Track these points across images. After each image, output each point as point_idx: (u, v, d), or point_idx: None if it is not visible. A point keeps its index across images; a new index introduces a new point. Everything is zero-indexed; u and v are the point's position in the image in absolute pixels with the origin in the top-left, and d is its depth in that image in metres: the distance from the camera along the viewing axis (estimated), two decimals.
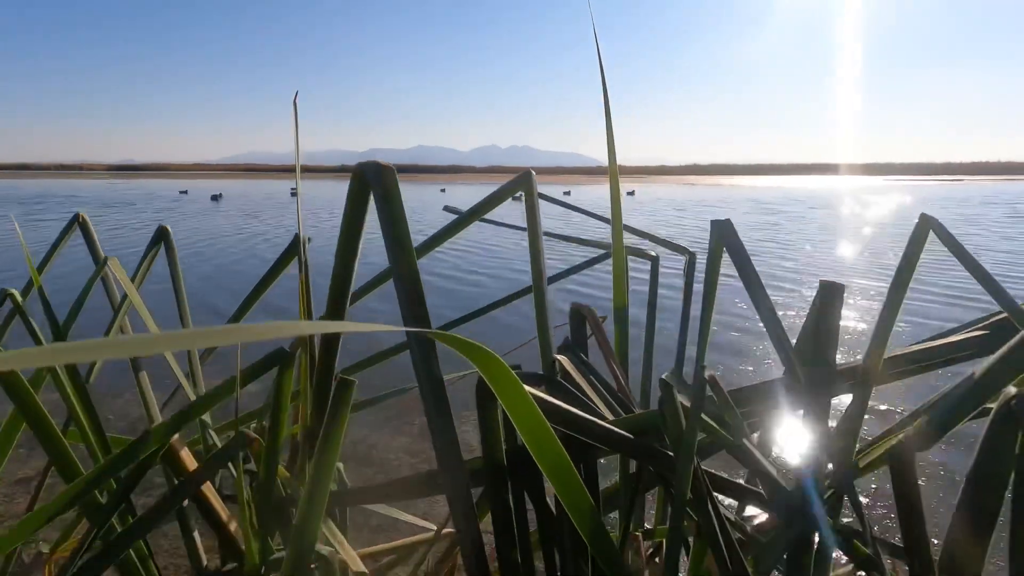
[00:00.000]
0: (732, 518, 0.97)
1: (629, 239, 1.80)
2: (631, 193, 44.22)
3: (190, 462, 0.91)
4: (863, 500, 2.72)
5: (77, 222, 1.22)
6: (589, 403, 0.98)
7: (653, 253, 1.67)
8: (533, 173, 1.25)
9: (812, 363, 0.94)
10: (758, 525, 1.11)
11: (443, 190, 53.21)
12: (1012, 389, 0.62)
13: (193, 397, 1.21)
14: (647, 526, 1.51)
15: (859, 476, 0.83)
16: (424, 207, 26.77)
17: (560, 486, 0.68)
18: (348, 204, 0.93)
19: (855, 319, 6.63)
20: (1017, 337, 0.62)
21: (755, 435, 1.28)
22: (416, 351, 0.83)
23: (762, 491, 0.88)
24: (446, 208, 2.03)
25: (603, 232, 1.49)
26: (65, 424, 1.07)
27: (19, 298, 0.97)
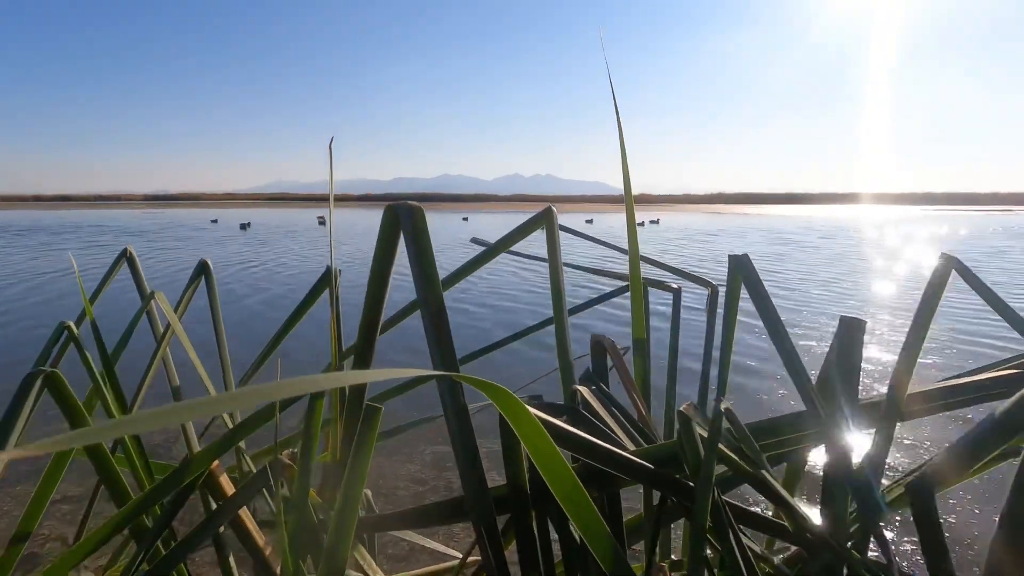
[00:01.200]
0: (758, 550, 0.98)
1: (653, 271, 1.83)
2: (655, 221, 44.13)
3: (228, 487, 0.95)
4: (891, 535, 2.66)
5: (125, 257, 1.30)
6: (610, 433, 1.00)
7: (675, 285, 1.69)
8: (554, 210, 1.29)
9: (833, 398, 0.96)
10: (787, 558, 1.11)
11: (466, 219, 53.68)
12: None
13: (231, 425, 1.25)
14: (675, 556, 1.51)
15: (881, 512, 0.84)
16: (435, 234, 26.99)
17: (576, 515, 0.71)
18: (380, 241, 0.98)
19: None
20: None
21: (783, 465, 1.29)
22: (443, 385, 0.87)
23: (787, 524, 0.89)
24: (473, 240, 2.09)
25: (626, 262, 1.53)
26: (111, 450, 1.12)
27: (75, 331, 1.04)
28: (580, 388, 1.07)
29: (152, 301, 1.18)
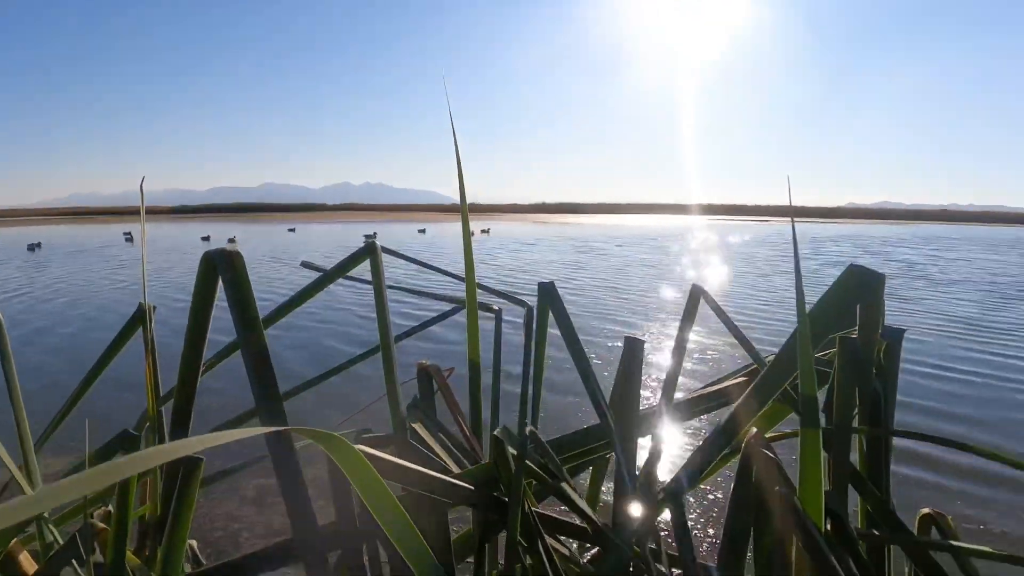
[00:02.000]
0: (568, 552, 1.11)
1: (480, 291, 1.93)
2: (486, 231, 45.24)
3: (29, 566, 0.88)
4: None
5: None
6: (438, 459, 1.08)
7: (496, 307, 1.81)
8: (378, 245, 1.34)
9: (620, 410, 1.12)
10: (592, 556, 1.26)
11: (292, 230, 51.08)
12: (754, 430, 0.82)
13: (29, 491, 1.15)
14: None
15: (660, 510, 1.00)
16: (258, 248, 25.51)
17: (403, 545, 0.77)
18: (196, 289, 0.97)
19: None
20: (747, 390, 0.82)
21: (589, 471, 1.44)
22: (265, 416, 0.89)
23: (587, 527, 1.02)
24: (304, 264, 2.06)
25: (455, 273, 1.59)
26: None
27: None
28: (408, 419, 1.13)
29: None
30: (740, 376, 1.08)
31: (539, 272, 16.07)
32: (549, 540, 1.08)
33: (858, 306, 0.93)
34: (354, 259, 1.37)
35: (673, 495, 0.80)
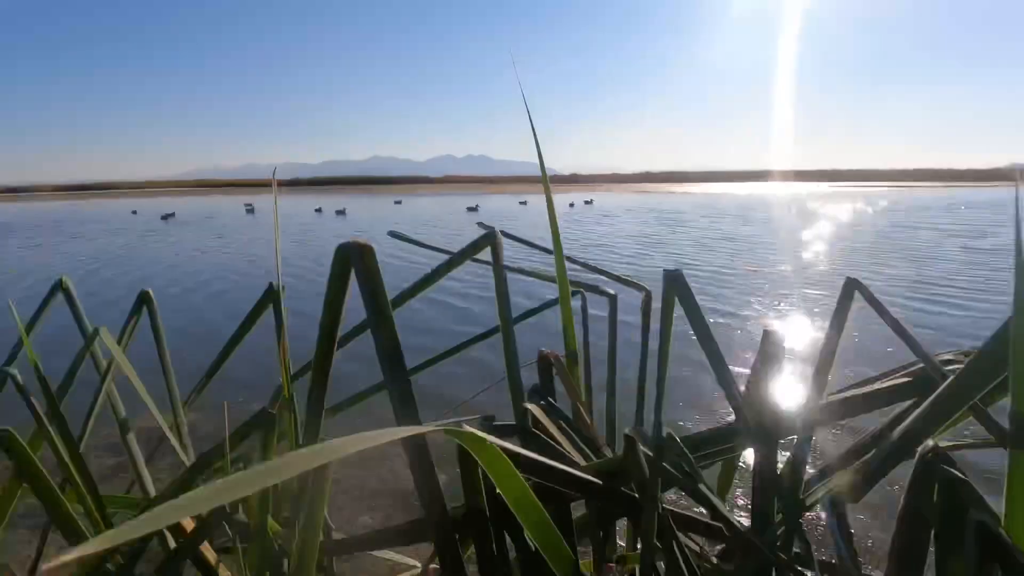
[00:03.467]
0: (699, 547, 1.07)
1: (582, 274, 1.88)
2: (589, 202, 44.68)
3: (188, 524, 0.96)
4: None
5: (60, 288, 1.25)
6: (560, 450, 1.07)
7: (612, 291, 1.76)
8: (499, 234, 1.34)
9: (759, 408, 1.05)
10: (722, 550, 1.21)
11: (399, 202, 52.87)
12: (930, 442, 0.74)
13: (179, 448, 1.25)
14: (621, 546, 1.60)
15: (804, 512, 0.94)
16: (369, 221, 26.41)
17: (536, 533, 0.76)
18: (331, 282, 0.99)
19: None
20: (932, 397, 0.73)
21: (717, 467, 1.38)
22: (398, 405, 0.90)
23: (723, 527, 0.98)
24: (391, 233, 2.08)
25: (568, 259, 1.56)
26: (60, 486, 1.10)
27: (19, 379, 1.01)
28: (530, 406, 1.13)
29: (95, 338, 1.16)
30: (898, 377, 0.98)
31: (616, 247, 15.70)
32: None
33: None
34: (475, 246, 1.37)
35: (834, 502, 0.74)
